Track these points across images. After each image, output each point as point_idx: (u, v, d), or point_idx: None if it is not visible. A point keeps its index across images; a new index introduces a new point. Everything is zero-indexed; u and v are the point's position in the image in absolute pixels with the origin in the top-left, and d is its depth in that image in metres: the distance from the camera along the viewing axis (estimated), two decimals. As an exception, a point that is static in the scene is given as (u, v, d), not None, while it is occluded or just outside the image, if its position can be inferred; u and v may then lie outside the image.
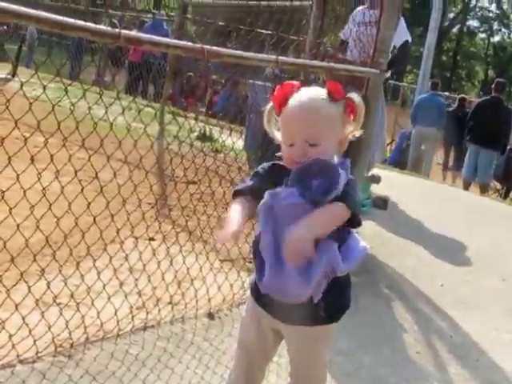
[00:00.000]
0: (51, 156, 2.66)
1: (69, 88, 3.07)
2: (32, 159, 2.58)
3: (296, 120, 2.06)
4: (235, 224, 1.99)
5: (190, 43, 3.39)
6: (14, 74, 11.96)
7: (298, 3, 9.83)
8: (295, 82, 2.18)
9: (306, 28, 7.53)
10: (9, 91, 2.71)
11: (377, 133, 5.69)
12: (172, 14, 18.19)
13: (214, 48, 3.40)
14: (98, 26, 2.87)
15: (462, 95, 16.29)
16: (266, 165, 2.29)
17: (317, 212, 1.94)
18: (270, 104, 2.15)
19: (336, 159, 2.08)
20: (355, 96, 2.13)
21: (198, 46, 3.21)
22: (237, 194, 2.19)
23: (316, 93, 2.11)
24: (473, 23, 50.29)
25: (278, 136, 2.17)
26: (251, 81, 8.77)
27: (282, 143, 2.12)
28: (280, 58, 4.05)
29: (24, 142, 2.53)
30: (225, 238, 2.01)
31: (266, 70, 10.74)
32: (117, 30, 2.77)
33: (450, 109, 14.25)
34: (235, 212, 2.08)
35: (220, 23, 12.68)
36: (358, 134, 2.16)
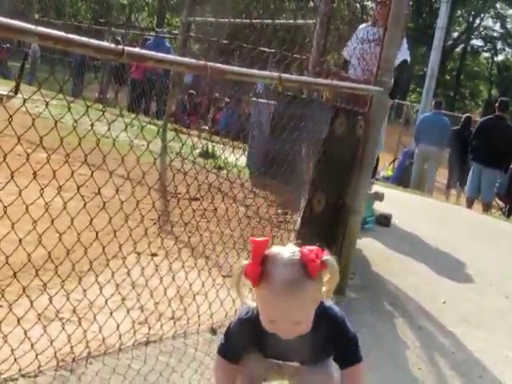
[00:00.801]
0: (54, 172, 2.68)
1: (71, 105, 3.07)
2: (34, 175, 2.60)
3: (281, 303, 1.97)
4: None
5: (193, 60, 3.41)
6: (16, 91, 12.02)
7: (301, 22, 9.89)
8: (261, 239, 2.09)
9: (309, 46, 7.58)
10: (11, 108, 2.71)
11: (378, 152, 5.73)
12: (175, 31, 18.32)
13: (218, 65, 3.43)
14: (101, 43, 2.89)
15: (468, 114, 16.28)
16: (236, 329, 2.34)
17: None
18: (239, 269, 2.08)
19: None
20: (328, 258, 2.03)
21: (202, 63, 3.24)
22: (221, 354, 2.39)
23: (294, 269, 1.98)
24: (476, 42, 50.34)
25: (248, 301, 2.15)
26: (254, 99, 8.81)
27: (261, 314, 2.05)
28: (283, 75, 4.08)
29: (26, 158, 2.55)
30: None
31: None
32: (120, 46, 2.80)
33: (455, 128, 14.22)
34: None
35: (223, 41, 12.75)
36: (333, 287, 2.09)
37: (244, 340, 2.27)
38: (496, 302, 4.93)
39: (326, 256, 2.03)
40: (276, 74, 4.09)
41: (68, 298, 3.10)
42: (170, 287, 3.50)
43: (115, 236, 3.20)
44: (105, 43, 2.92)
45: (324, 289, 2.06)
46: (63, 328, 2.96)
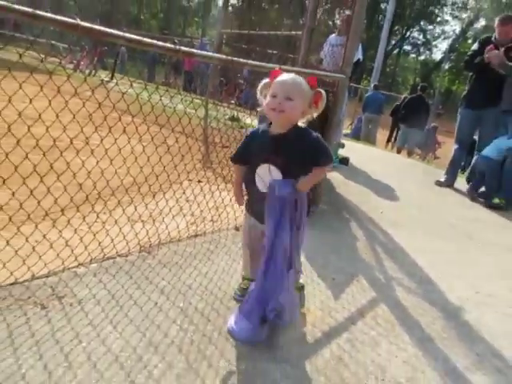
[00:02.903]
0: (136, 129, 2.66)
1: (147, 87, 3.07)
2: (124, 131, 2.58)
3: (284, 81, 1.96)
4: (239, 198, 2.31)
5: (224, 56, 3.33)
6: (111, 77, 11.88)
7: (294, 33, 9.56)
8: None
9: (299, 49, 7.39)
10: (109, 88, 2.72)
11: (341, 117, 5.64)
12: (213, 39, 17.91)
13: (239, 59, 3.35)
14: (166, 44, 2.83)
15: (405, 95, 15.98)
16: (250, 131, 2.21)
17: (312, 176, 2.00)
18: (266, 80, 2.03)
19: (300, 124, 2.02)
20: (323, 92, 2.02)
21: (229, 58, 3.16)
22: (233, 160, 2.25)
23: (301, 78, 2.01)
24: (407, 47, 49.83)
25: (262, 100, 2.02)
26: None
27: (268, 96, 1.97)
28: (282, 66, 3.97)
29: (119, 120, 2.53)
30: (239, 203, 2.33)
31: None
32: (177, 46, 2.74)
33: (396, 103, 14.05)
34: (237, 187, 2.29)
35: (243, 45, 12.44)
36: (315, 115, 2.05)
37: (247, 145, 2.15)
38: (414, 213, 4.91)
39: (322, 91, 2.01)
40: (277, 66, 3.98)
41: (146, 208, 3.11)
42: (210, 201, 3.50)
43: (175, 169, 3.19)
44: (168, 44, 2.83)
45: (314, 114, 2.02)
46: (143, 226, 2.97)
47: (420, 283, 3.12)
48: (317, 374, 2.00)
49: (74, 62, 13.49)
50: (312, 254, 3.26)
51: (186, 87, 13.81)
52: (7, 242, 2.26)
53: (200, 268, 2.78)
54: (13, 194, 2.17)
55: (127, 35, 2.50)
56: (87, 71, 12.58)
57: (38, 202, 2.30)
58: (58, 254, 2.42)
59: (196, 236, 3.25)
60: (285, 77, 1.99)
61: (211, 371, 1.91)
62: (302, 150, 1.97)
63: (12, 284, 2.26)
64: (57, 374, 1.75)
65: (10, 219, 2.29)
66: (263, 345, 2.13)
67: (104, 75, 12.28)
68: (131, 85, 2.59)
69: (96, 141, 2.62)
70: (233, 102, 13.14)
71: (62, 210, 2.58)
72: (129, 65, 16.77)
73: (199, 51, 3.33)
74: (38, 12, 2.06)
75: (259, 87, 2.04)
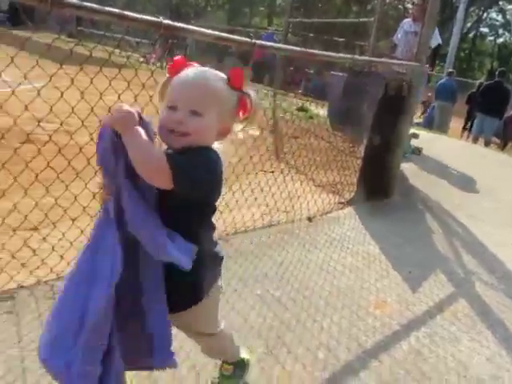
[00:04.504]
0: None
1: None
2: None
3: (187, 83, 1.20)
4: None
5: (296, 47, 3.33)
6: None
7: (363, 20, 9.39)
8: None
9: (367, 36, 7.25)
10: None
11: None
12: (280, 29, 17.86)
13: (311, 50, 3.35)
14: (242, 38, 2.89)
15: (481, 81, 15.21)
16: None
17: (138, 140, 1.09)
18: (166, 76, 1.27)
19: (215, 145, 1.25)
20: (252, 94, 1.27)
21: (306, 50, 3.17)
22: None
23: (216, 72, 1.26)
24: (484, 30, 47.06)
25: (161, 106, 1.25)
26: (332, 72, 8.53)
27: (162, 106, 1.23)
28: (355, 56, 3.93)
29: None
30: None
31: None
32: (253, 40, 2.78)
33: (472, 91, 13.43)
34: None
35: (310, 34, 12.34)
36: (251, 131, 1.42)
37: None
38: (491, 205, 4.71)
39: (252, 93, 1.28)
40: (349, 56, 3.94)
41: (223, 198, 3.20)
42: (283, 192, 3.54)
43: (251, 160, 3.26)
44: (244, 38, 2.87)
45: (234, 124, 1.29)
46: (221, 215, 3.06)
47: (501, 279, 3.01)
48: (397, 367, 1.99)
49: (147, 55, 13.97)
50: (386, 246, 3.23)
51: (256, 77, 13.91)
52: None
53: (275, 257, 2.83)
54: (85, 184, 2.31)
55: (208, 31, 2.59)
56: (158, 64, 12.98)
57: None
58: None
59: (270, 226, 3.30)
60: (190, 74, 1.22)
61: (290, 357, 1.96)
62: None
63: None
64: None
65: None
66: (341, 335, 2.15)
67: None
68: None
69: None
70: (300, 91, 13.13)
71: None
72: (196, 55, 17.11)
73: (275, 44, 3.37)
74: (125, 12, 2.18)
75: (158, 88, 1.29)
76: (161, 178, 1.09)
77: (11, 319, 1.97)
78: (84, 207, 2.29)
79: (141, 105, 2.32)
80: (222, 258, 1.41)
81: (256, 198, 3.33)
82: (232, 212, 3.14)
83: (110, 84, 2.13)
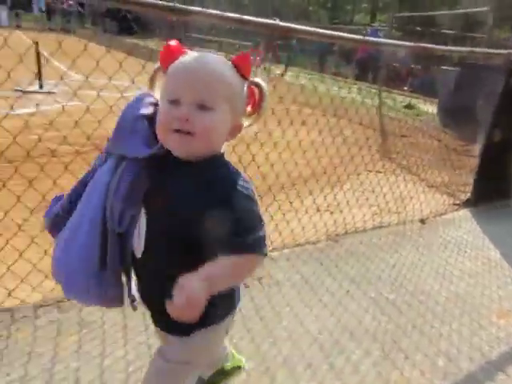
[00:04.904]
0: (316, 121, 2.75)
1: (319, 78, 3.18)
2: (303, 123, 2.69)
3: (190, 70, 0.96)
4: None
5: (411, 43, 3.21)
6: (285, 71, 12.35)
7: (475, 10, 8.86)
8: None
9: (480, 26, 6.81)
10: (282, 82, 2.87)
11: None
12: (383, 24, 17.39)
13: (423, 44, 3.22)
14: (354, 36, 2.85)
15: None
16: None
17: (220, 264, 0.91)
18: (157, 64, 1.04)
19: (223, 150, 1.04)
20: (261, 84, 1.04)
21: (421, 44, 3.05)
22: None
23: (222, 57, 1.03)
24: None
25: (157, 96, 1.05)
26: (443, 67, 8.11)
27: (160, 100, 1.00)
28: (475, 49, 3.71)
29: (298, 112, 2.66)
30: None
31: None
32: (361, 36, 2.74)
33: None
34: None
35: (417, 28, 11.88)
36: (255, 128, 1.08)
37: None
38: None
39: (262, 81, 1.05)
40: (467, 49, 3.73)
41: (325, 198, 3.20)
42: (394, 192, 3.44)
43: (352, 160, 3.22)
44: (350, 35, 2.82)
45: (246, 122, 1.06)
46: (331, 215, 3.06)
47: None
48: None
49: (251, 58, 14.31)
50: (508, 251, 3.02)
51: (359, 75, 13.68)
52: None
53: (387, 259, 2.77)
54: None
55: (319, 30, 2.60)
56: (262, 66, 13.26)
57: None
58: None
59: (380, 227, 3.22)
60: (191, 60, 0.99)
61: (408, 363, 1.90)
62: (206, 205, 0.93)
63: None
64: (263, 348, 1.91)
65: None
66: (462, 344, 2.05)
67: (277, 69, 12.81)
68: (308, 78, 2.69)
69: (277, 133, 2.78)
70: (405, 88, 12.65)
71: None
72: (299, 56, 17.16)
73: (388, 40, 3.27)
74: (246, 17, 2.25)
75: (149, 78, 1.08)
76: (255, 266, 0.98)
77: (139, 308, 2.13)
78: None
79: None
80: (238, 289, 1.20)
81: (367, 199, 3.27)
82: (342, 212, 3.11)
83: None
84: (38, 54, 6.58)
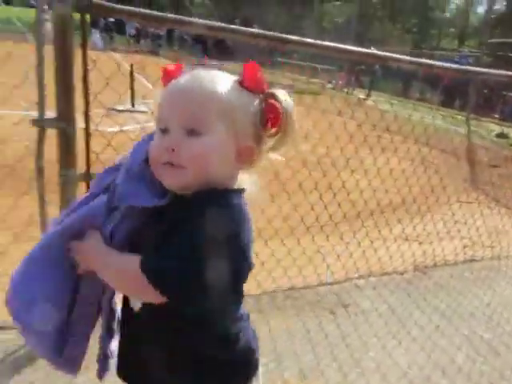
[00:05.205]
0: (407, 149, 2.73)
1: (400, 103, 3.16)
2: (383, 149, 2.67)
3: (176, 92, 0.83)
4: None
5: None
6: (368, 95, 12.23)
7: None
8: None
9: None
10: (367, 106, 2.88)
11: None
12: (473, 50, 16.81)
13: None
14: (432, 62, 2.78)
15: None
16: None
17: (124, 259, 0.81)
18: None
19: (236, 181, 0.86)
20: (281, 94, 0.84)
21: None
22: None
23: (222, 72, 0.87)
24: None
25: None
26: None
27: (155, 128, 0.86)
28: None
29: (377, 138, 2.65)
30: None
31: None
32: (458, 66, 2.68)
33: None
34: None
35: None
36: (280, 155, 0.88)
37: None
38: None
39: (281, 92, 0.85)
40: None
41: (414, 228, 3.11)
42: (484, 225, 3.29)
43: (444, 190, 3.13)
44: (449, 65, 2.77)
45: (263, 139, 0.85)
46: (409, 246, 2.97)
47: None
48: None
49: (333, 81, 14.37)
50: None
51: (445, 102, 13.28)
52: (289, 249, 2.55)
53: (481, 296, 2.64)
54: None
55: (408, 58, 2.59)
56: (345, 90, 13.24)
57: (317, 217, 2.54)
58: (343, 265, 2.62)
59: (472, 261, 3.09)
60: (180, 80, 0.84)
61: (507, 409, 1.79)
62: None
63: (303, 288, 2.53)
64: (350, 377, 1.88)
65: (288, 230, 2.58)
66: None
67: (360, 93, 12.73)
68: (391, 103, 2.66)
69: (367, 160, 2.76)
70: (496, 116, 12.08)
71: (336, 224, 2.79)
72: (381, 81, 17.01)
73: (485, 70, 3.17)
74: (340, 45, 2.30)
75: (153, 103, 0.91)
76: (145, 293, 0.77)
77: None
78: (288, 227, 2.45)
79: (320, 128, 2.44)
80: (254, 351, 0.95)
81: (459, 230, 3.15)
82: (432, 243, 3.02)
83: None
84: (131, 75, 7.04)
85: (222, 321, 0.86)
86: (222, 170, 0.82)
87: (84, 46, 1.67)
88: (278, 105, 0.83)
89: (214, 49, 20.50)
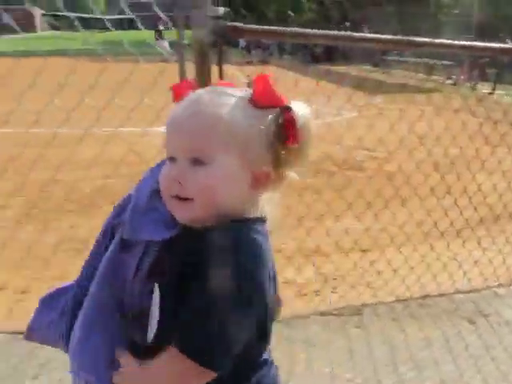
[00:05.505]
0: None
1: None
2: None
3: (178, 118, 0.77)
4: None
5: None
6: (493, 89, 11.33)
7: None
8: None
9: None
10: (493, 100, 2.66)
11: None
12: None
13: None
14: None
15: None
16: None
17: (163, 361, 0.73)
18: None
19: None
20: (298, 108, 0.77)
21: None
22: None
23: (230, 90, 0.80)
24: None
25: None
26: None
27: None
28: None
29: None
30: None
31: None
32: None
33: None
34: None
35: None
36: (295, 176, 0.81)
37: None
38: None
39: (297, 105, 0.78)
40: None
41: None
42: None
43: None
44: None
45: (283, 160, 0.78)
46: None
47: None
48: None
49: (453, 77, 13.58)
50: None
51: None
52: (422, 256, 2.46)
53: None
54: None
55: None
56: (467, 84, 12.44)
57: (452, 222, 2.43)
58: (481, 272, 2.49)
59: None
60: (183, 102, 0.78)
61: None
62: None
63: (438, 295, 2.45)
64: (499, 392, 1.79)
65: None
66: None
67: (485, 87, 11.84)
68: None
69: (506, 161, 2.58)
70: None
71: (472, 229, 2.65)
72: (508, 73, 15.65)
73: None
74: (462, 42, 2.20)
75: None
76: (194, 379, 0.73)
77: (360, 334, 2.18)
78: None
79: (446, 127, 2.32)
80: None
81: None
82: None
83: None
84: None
85: (240, 370, 0.77)
86: (234, 199, 0.76)
87: (220, 65, 1.81)
88: (295, 118, 0.76)
89: (324, 54, 20.58)
